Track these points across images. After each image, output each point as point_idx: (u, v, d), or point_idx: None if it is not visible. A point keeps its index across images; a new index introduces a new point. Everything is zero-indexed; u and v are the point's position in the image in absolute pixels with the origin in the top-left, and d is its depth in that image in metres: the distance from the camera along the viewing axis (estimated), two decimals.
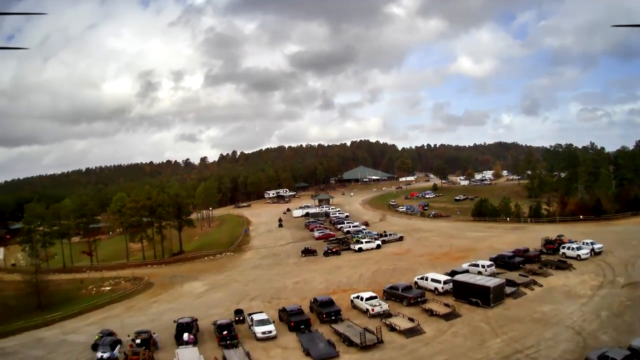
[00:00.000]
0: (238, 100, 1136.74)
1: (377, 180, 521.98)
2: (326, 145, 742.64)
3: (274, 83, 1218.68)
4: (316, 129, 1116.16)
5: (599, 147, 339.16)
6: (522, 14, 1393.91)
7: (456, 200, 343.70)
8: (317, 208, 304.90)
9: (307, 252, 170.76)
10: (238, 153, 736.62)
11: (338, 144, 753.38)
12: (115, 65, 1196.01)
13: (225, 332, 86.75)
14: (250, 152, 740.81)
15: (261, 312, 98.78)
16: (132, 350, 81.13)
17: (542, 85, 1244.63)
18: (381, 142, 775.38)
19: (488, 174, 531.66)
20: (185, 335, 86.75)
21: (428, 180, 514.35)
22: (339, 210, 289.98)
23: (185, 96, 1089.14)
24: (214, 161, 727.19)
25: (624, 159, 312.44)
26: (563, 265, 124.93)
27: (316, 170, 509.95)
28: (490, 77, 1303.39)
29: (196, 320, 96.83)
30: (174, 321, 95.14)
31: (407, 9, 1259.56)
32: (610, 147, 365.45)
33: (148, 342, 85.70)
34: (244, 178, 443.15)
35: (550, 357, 73.41)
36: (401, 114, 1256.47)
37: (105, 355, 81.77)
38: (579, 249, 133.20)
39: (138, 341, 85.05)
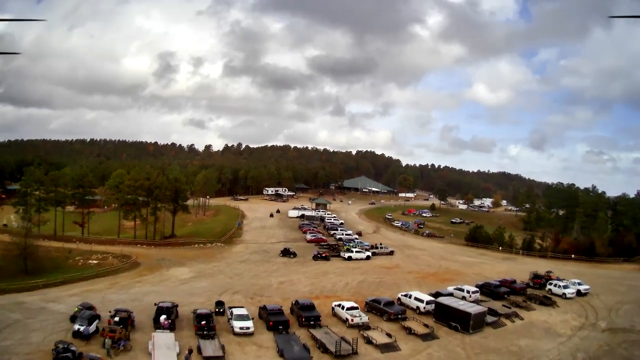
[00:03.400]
0: (252, 94, 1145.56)
1: (377, 192, 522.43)
2: (331, 150, 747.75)
3: (290, 83, 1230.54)
4: (324, 134, 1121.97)
5: (599, 191, 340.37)
6: (544, 51, 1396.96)
7: (452, 222, 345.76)
8: (314, 211, 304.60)
9: (286, 253, 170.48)
10: (243, 146, 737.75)
11: (344, 151, 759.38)
12: (138, 43, 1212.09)
13: (203, 322, 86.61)
14: (255, 146, 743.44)
15: (242, 307, 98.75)
16: (110, 327, 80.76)
17: (553, 122, 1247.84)
18: (386, 155, 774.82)
19: (487, 202, 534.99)
20: (162, 318, 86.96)
21: (427, 200, 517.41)
22: (334, 217, 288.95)
23: (201, 82, 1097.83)
24: (218, 150, 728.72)
25: (623, 206, 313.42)
26: (547, 301, 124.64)
27: (318, 174, 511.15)
28: (503, 108, 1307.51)
29: (177, 306, 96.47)
30: (155, 304, 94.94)
31: (431, 31, 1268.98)
32: (611, 192, 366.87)
33: (126, 321, 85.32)
34: (245, 171, 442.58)
35: None
36: (410, 131, 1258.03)
37: (82, 328, 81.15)
38: (565, 287, 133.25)
39: (117, 319, 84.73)
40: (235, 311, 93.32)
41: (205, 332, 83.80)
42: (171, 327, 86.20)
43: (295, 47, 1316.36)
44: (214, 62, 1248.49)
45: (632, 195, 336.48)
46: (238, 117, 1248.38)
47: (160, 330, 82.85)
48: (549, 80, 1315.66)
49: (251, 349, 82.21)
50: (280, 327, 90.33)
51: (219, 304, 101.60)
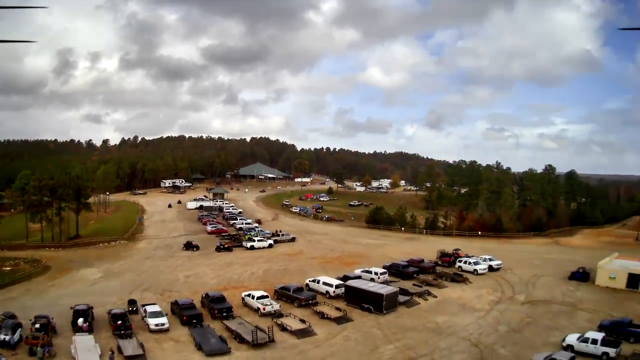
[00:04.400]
0: (147, 87, 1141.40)
1: (273, 178, 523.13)
2: (226, 138, 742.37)
3: (184, 73, 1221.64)
4: (218, 122, 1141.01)
5: (504, 167, 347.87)
6: (441, 33, 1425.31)
7: (351, 205, 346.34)
8: (212, 202, 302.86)
9: (189, 246, 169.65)
10: (139, 139, 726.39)
11: (238, 138, 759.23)
12: (39, 40, 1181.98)
13: (119, 322, 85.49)
14: (151, 138, 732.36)
15: (154, 303, 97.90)
16: (32, 335, 79.21)
17: (450, 102, 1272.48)
18: (281, 141, 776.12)
19: (385, 183, 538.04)
20: (80, 321, 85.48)
21: (324, 183, 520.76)
22: (232, 206, 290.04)
23: (98, 77, 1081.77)
24: (115, 145, 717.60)
25: (530, 181, 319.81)
26: (459, 278, 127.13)
27: (214, 163, 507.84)
28: (398, 89, 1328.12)
29: (92, 307, 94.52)
30: (71, 307, 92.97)
31: (325, 17, 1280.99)
32: (517, 168, 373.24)
33: (47, 327, 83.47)
34: (142, 164, 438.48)
35: None
36: (304, 115, 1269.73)
37: (8, 337, 79.30)
38: (476, 263, 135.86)
39: (37, 326, 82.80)
40: (149, 308, 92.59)
41: (122, 332, 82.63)
42: (89, 330, 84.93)
43: (189, 37, 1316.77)
44: (111, 56, 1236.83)
45: (539, 171, 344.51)
46: (133, 110, 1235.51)
47: (80, 334, 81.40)
48: (446, 61, 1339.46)
49: (169, 345, 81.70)
50: (194, 320, 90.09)
51: (132, 302, 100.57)
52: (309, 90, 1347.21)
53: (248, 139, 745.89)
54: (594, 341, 78.41)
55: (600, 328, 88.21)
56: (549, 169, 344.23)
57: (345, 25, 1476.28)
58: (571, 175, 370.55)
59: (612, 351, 76.54)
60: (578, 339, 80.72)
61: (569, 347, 79.43)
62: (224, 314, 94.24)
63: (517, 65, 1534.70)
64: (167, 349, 79.71)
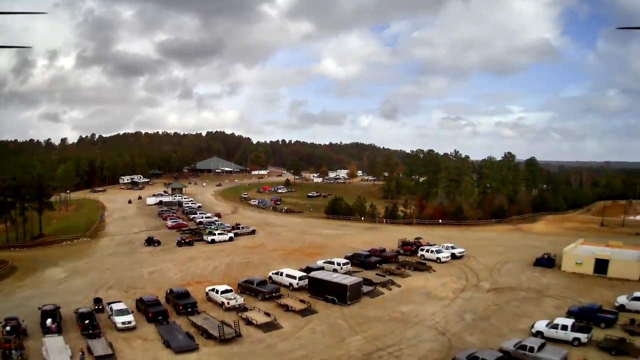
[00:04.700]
0: (104, 84, 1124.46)
1: (230, 172, 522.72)
2: (182, 133, 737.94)
3: (139, 69, 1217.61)
4: (174, 117, 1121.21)
5: (462, 155, 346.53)
6: (396, 24, 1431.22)
7: (309, 196, 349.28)
8: (171, 197, 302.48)
9: (151, 242, 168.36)
10: (97, 136, 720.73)
11: (194, 133, 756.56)
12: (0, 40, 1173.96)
13: (87, 322, 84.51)
14: (108, 135, 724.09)
15: (120, 301, 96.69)
16: (4, 338, 77.93)
17: (405, 92, 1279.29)
18: (236, 134, 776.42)
19: (342, 173, 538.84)
20: (49, 322, 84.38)
21: (281, 175, 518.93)
22: (191, 200, 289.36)
23: (55, 75, 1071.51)
24: (74, 143, 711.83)
25: (489, 169, 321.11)
26: (422, 266, 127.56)
27: (171, 158, 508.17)
28: (353, 80, 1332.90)
29: (59, 307, 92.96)
30: (39, 308, 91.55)
31: (279, 10, 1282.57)
32: (476, 156, 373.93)
33: (17, 329, 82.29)
34: (100, 162, 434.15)
35: (414, 356, 74.58)
36: (259, 108, 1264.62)
37: None
38: (438, 251, 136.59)
39: (8, 328, 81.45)
40: (115, 306, 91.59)
41: (91, 332, 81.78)
42: (58, 330, 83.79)
43: (145, 33, 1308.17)
44: (68, 53, 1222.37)
45: (498, 158, 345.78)
46: (91, 108, 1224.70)
47: (50, 335, 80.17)
48: (401, 51, 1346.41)
49: (137, 343, 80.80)
50: (160, 317, 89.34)
51: (97, 300, 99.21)
52: (263, 83, 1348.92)
53: (204, 133, 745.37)
54: (564, 327, 78.79)
55: (569, 314, 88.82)
56: (509, 156, 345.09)
57: (299, 18, 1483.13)
58: (531, 162, 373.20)
59: (583, 336, 76.99)
60: (547, 325, 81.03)
61: (539, 334, 79.83)
62: (189, 310, 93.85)
63: (474, 54, 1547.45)
64: (135, 348, 78.89)
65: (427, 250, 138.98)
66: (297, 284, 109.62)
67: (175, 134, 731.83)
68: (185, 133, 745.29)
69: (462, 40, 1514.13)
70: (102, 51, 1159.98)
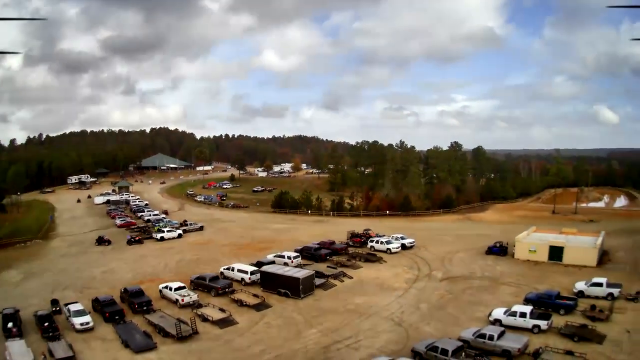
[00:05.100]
0: (49, 82, 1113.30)
1: (175, 168, 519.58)
2: (126, 131, 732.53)
3: (84, 66, 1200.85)
4: (118, 115, 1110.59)
5: (408, 146, 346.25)
6: (337, 15, 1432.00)
7: (254, 191, 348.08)
8: (118, 195, 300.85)
9: (101, 241, 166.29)
10: (44, 136, 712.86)
11: (138, 130, 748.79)
12: None
13: (46, 324, 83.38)
14: (55, 135, 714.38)
15: (76, 302, 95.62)
16: None
17: (347, 83, 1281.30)
18: (180, 130, 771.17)
19: (287, 167, 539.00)
20: (9, 326, 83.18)
21: (225, 171, 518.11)
22: (138, 198, 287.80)
23: (3, 76, 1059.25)
24: (22, 144, 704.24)
25: (435, 159, 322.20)
26: (373, 258, 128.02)
27: (116, 156, 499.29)
28: (294, 72, 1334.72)
29: (18, 310, 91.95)
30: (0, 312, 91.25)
31: (220, 3, 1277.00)
32: (422, 146, 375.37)
33: None
34: (48, 162, 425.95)
35: (372, 348, 74.54)
36: (201, 103, 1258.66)
37: None
38: (388, 242, 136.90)
39: None
40: (72, 307, 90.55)
41: (50, 334, 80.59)
42: (19, 334, 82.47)
43: (89, 30, 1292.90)
44: (15, 53, 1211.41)
45: (445, 148, 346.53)
46: (37, 107, 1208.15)
47: (12, 339, 79.00)
48: (343, 42, 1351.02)
49: (97, 344, 79.96)
50: (117, 317, 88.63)
51: (54, 302, 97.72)
52: (205, 77, 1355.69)
53: (148, 130, 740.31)
54: (523, 314, 79.05)
55: (527, 301, 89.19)
56: (455, 145, 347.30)
57: (240, 11, 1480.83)
58: (478, 151, 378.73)
59: (543, 324, 77.30)
60: (505, 312, 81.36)
61: (497, 322, 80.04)
62: (145, 308, 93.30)
63: (416, 44, 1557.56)
64: (95, 349, 78.11)
65: (377, 242, 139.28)
66: (249, 278, 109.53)
67: (120, 131, 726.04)
68: (130, 130, 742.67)
69: (404, 29, 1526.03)
70: (47, 49, 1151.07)
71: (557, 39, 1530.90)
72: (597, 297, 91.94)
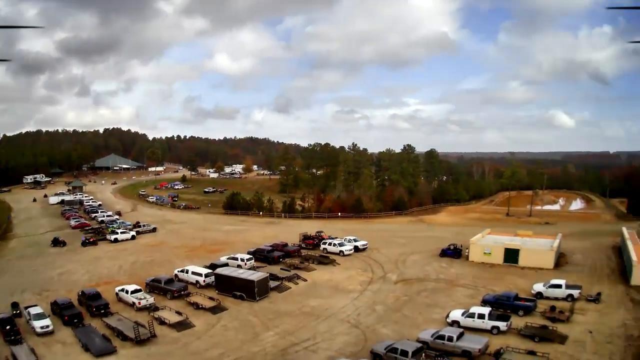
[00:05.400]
0: (7, 83, 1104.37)
1: (128, 169, 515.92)
2: (80, 131, 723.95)
3: (41, 67, 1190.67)
4: (72, 115, 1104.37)
5: (361, 148, 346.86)
6: (290, 19, 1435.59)
7: (206, 192, 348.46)
8: (72, 196, 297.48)
9: (57, 242, 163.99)
10: (1, 135, 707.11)
11: (92, 130, 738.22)
12: None
13: (7, 327, 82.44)
14: (11, 134, 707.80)
15: (36, 305, 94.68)
16: None
17: (298, 86, 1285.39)
18: (132, 130, 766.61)
19: (238, 168, 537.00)
20: None
21: (177, 171, 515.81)
22: (92, 199, 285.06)
23: None
24: None
25: (387, 161, 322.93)
26: (326, 260, 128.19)
27: (71, 156, 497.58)
28: (246, 75, 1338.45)
29: None
30: None
31: (175, 6, 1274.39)
32: (373, 150, 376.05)
33: None
34: (5, 162, 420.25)
35: (330, 350, 74.64)
36: (154, 104, 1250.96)
37: None
38: (341, 244, 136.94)
39: None
40: (32, 310, 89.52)
41: (13, 338, 79.84)
42: None
43: (47, 31, 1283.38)
44: None
45: (397, 151, 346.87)
46: None
47: None
48: (295, 46, 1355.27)
49: (58, 348, 79.19)
50: (75, 320, 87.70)
51: (14, 305, 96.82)
52: (158, 79, 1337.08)
53: (101, 130, 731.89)
54: (481, 316, 79.49)
55: (484, 303, 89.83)
56: (408, 148, 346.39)
57: (194, 14, 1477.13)
58: (431, 153, 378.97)
59: (502, 325, 77.87)
60: (463, 314, 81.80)
61: (455, 323, 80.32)
62: (102, 311, 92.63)
63: (369, 48, 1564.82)
64: (56, 353, 77.37)
65: (330, 244, 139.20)
66: (204, 281, 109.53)
67: (75, 131, 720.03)
68: (84, 130, 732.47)
69: (357, 34, 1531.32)
70: (6, 50, 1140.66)
71: (513, 44, 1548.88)
72: (556, 299, 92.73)
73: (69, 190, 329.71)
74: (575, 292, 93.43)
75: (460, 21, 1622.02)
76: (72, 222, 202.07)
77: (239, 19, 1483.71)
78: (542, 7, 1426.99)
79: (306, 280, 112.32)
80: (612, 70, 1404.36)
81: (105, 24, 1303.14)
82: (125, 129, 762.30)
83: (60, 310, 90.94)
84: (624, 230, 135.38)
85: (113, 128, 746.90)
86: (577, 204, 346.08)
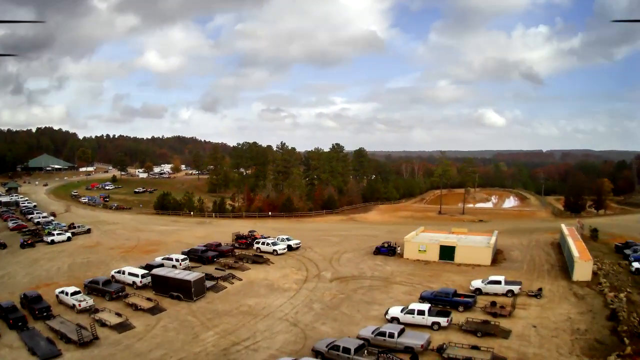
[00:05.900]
0: None
1: (60, 169, 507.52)
2: (14, 130, 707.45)
3: None
4: (6, 114, 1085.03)
5: (289, 147, 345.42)
6: (220, 16, 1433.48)
7: (136, 192, 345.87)
8: (8, 197, 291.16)
9: None
10: None
11: (25, 129, 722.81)
12: None
13: None
14: None
15: None
16: None
17: (225, 85, 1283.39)
18: (63, 129, 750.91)
19: (167, 168, 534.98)
20: None
21: (107, 172, 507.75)
22: (27, 200, 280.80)
23: None
24: None
25: (316, 160, 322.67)
26: (260, 259, 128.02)
27: (5, 156, 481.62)
28: (174, 73, 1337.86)
29: None
30: None
31: (108, 3, 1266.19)
32: (300, 149, 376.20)
33: None
34: None
35: (271, 348, 74.67)
36: (83, 102, 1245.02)
37: None
38: (274, 244, 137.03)
39: None
40: None
41: None
42: None
43: None
44: None
45: (326, 149, 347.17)
46: None
47: None
48: (224, 44, 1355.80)
49: (5, 352, 77.96)
50: (20, 323, 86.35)
51: None
52: (88, 76, 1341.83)
53: (34, 130, 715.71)
54: (421, 312, 79.98)
55: (423, 299, 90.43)
56: (337, 147, 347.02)
57: (126, 11, 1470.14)
58: (360, 152, 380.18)
59: (443, 320, 78.44)
60: (402, 311, 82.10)
61: (395, 320, 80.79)
62: (45, 314, 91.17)
63: (297, 47, 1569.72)
64: (4, 357, 76.29)
65: (263, 243, 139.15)
66: (141, 281, 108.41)
67: (9, 130, 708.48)
68: (17, 129, 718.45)
69: (286, 32, 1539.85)
70: None
71: (444, 43, 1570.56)
72: (495, 294, 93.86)
73: (6, 191, 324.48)
74: (516, 288, 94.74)
75: (390, 20, 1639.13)
76: (10, 224, 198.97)
77: (169, 15, 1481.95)
78: (476, 7, 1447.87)
79: (241, 280, 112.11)
80: (546, 69, 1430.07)
81: (41, 19, 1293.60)
82: (56, 127, 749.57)
83: (5, 314, 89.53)
84: (563, 227, 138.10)
85: (45, 127, 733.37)
86: (510, 202, 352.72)
